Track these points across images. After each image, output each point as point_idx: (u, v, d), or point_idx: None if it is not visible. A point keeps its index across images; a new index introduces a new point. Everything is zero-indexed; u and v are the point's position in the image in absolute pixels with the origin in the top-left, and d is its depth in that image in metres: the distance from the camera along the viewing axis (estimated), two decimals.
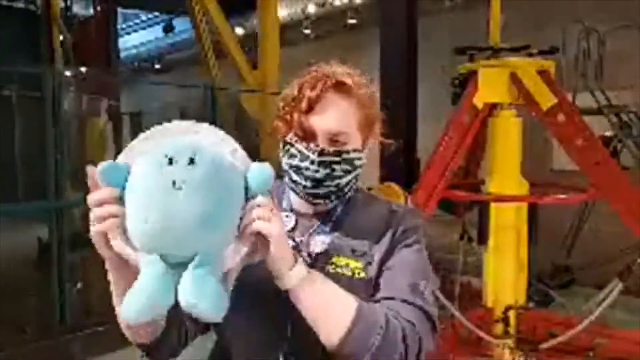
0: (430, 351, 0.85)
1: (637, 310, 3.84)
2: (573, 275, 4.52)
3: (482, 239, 3.22)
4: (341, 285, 0.84)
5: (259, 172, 0.74)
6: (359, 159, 0.90)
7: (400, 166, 5.59)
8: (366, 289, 0.88)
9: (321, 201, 0.91)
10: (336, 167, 0.87)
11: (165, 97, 5.92)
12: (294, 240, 0.91)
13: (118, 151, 0.78)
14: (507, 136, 3.23)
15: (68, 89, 4.50)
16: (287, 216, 0.93)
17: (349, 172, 0.89)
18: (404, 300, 0.86)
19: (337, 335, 0.79)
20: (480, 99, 3.12)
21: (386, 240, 0.92)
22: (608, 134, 4.12)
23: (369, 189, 3.88)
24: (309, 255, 0.90)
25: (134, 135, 0.76)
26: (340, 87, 0.88)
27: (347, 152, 0.88)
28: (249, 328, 0.90)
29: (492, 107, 3.22)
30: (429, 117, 5.85)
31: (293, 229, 0.92)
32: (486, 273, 3.24)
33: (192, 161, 0.70)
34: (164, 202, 0.69)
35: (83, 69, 5.71)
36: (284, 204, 0.97)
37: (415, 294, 0.87)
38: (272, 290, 0.81)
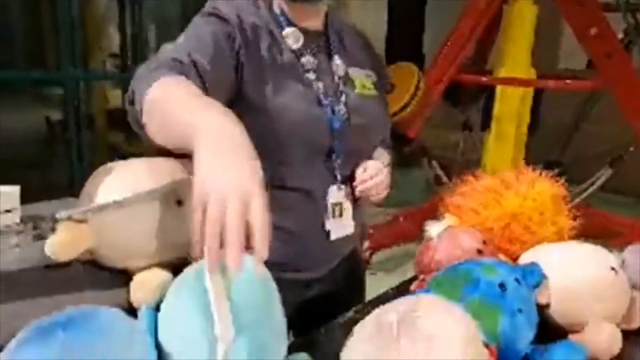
0: None
1: (615, 203, 4.09)
2: (565, 170, 4.75)
3: (486, 125, 3.36)
4: (369, 104, 0.96)
5: None
6: None
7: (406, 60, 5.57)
8: (382, 103, 1.01)
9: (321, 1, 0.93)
10: None
11: None
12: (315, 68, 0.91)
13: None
14: (522, 24, 3.23)
15: None
16: (293, 32, 0.91)
17: None
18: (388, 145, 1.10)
19: None
20: None
21: (377, 70, 1.02)
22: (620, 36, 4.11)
23: None
24: (339, 78, 0.94)
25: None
26: None
27: None
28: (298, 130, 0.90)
29: None
30: (435, 15, 5.73)
31: (304, 46, 0.92)
32: (485, 157, 3.42)
33: None
34: None
35: None
36: (277, 21, 0.92)
37: None
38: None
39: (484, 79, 3.28)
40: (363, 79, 0.98)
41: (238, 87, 0.85)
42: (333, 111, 0.90)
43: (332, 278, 1.02)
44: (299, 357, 0.63)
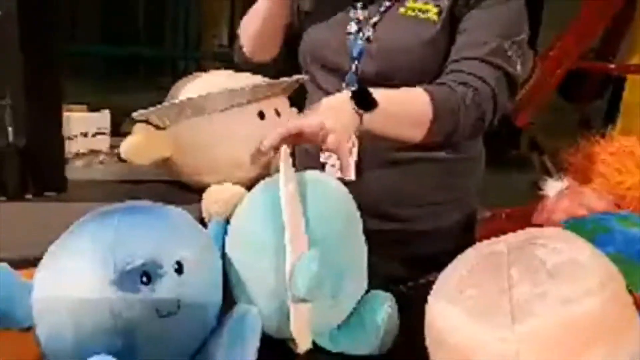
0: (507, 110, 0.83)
1: None
2: None
3: (610, 119, 2.98)
4: (411, 26, 0.84)
5: None
6: None
7: None
8: (436, 33, 0.84)
9: None
10: None
11: None
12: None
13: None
14: None
15: None
16: None
17: None
18: (483, 60, 0.81)
19: (418, 138, 0.77)
20: None
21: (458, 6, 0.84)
22: None
23: None
24: (387, 6, 0.86)
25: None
26: None
27: None
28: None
29: None
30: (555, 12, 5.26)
31: None
32: None
33: None
34: None
35: None
36: None
37: (497, 53, 0.81)
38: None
39: (611, 66, 2.91)
40: (420, 5, 0.85)
41: None
42: (357, 38, 0.86)
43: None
44: (381, 294, 0.54)
